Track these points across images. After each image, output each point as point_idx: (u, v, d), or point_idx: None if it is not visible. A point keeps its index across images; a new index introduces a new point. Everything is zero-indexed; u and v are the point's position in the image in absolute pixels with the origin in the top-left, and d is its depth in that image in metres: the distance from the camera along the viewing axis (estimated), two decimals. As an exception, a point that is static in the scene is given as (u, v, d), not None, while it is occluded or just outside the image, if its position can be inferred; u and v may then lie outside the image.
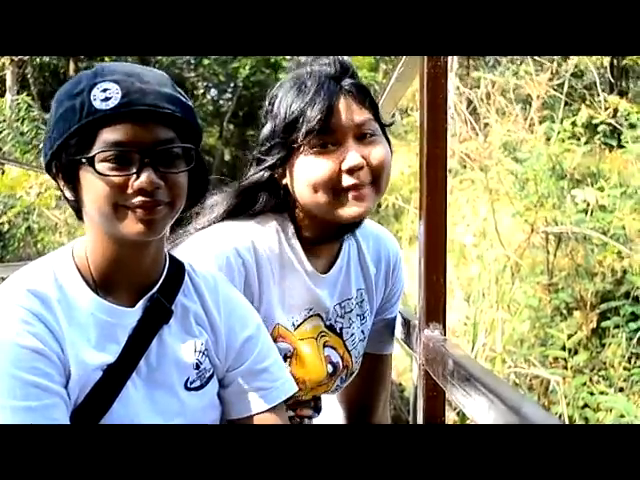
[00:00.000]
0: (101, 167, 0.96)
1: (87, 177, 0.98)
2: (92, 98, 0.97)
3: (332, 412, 1.56)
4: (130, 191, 0.96)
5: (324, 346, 1.35)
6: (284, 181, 1.28)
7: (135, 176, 0.96)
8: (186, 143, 1.02)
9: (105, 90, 0.97)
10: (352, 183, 1.22)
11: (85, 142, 0.97)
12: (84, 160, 0.96)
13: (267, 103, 1.30)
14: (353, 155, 1.22)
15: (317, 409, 1.43)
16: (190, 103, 1.06)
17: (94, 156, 0.96)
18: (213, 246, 1.23)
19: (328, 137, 1.22)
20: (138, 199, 0.96)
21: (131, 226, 0.97)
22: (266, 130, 1.27)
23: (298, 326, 1.31)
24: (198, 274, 1.14)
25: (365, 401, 1.54)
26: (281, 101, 1.25)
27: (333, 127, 1.22)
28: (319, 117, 1.20)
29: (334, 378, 1.38)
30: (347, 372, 1.41)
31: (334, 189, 1.22)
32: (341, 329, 1.38)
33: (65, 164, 1.00)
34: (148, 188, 0.96)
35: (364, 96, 1.26)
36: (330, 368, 1.35)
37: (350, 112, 1.23)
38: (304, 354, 1.30)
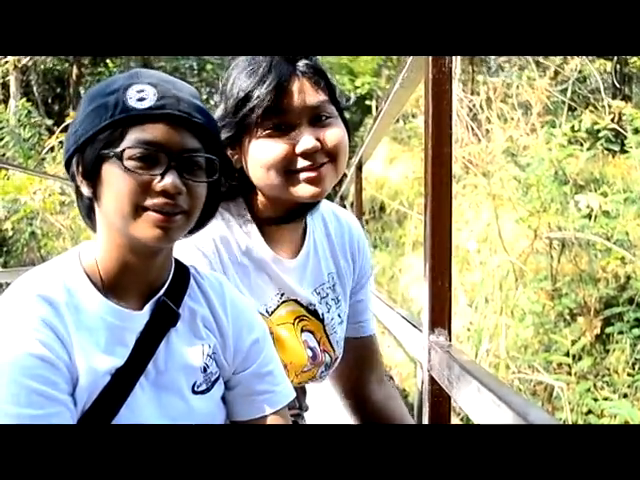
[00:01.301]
0: (128, 164, 0.96)
1: (111, 173, 0.97)
2: (127, 97, 0.97)
3: (326, 406, 1.55)
4: (153, 192, 0.97)
5: (302, 330, 1.34)
6: (239, 164, 1.26)
7: (160, 177, 0.97)
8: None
9: (141, 91, 0.98)
10: (306, 165, 1.20)
11: (114, 138, 0.97)
12: (112, 154, 0.97)
13: (221, 83, 1.28)
14: (307, 138, 1.19)
15: (302, 408, 1.43)
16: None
17: (123, 151, 0.96)
18: (181, 254, 1.18)
19: (281, 119, 1.20)
20: (159, 200, 0.96)
21: (147, 230, 0.97)
22: (219, 111, 1.25)
23: (272, 312, 1.30)
24: (203, 277, 1.14)
25: (358, 384, 1.53)
26: (234, 81, 1.23)
27: (286, 108, 1.20)
28: (269, 97, 1.18)
29: (316, 364, 1.37)
30: (331, 358, 1.39)
31: (287, 171, 1.20)
32: (323, 314, 1.37)
33: (89, 159, 0.99)
34: (171, 191, 0.96)
35: (320, 78, 1.23)
36: (309, 352, 1.34)
37: (304, 94, 1.21)
38: (282, 338, 1.30)
